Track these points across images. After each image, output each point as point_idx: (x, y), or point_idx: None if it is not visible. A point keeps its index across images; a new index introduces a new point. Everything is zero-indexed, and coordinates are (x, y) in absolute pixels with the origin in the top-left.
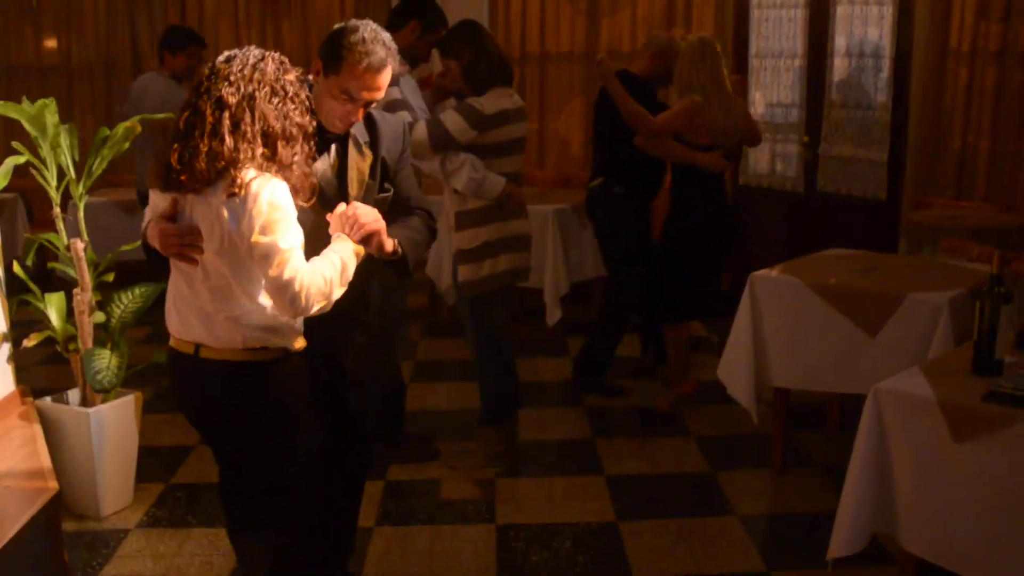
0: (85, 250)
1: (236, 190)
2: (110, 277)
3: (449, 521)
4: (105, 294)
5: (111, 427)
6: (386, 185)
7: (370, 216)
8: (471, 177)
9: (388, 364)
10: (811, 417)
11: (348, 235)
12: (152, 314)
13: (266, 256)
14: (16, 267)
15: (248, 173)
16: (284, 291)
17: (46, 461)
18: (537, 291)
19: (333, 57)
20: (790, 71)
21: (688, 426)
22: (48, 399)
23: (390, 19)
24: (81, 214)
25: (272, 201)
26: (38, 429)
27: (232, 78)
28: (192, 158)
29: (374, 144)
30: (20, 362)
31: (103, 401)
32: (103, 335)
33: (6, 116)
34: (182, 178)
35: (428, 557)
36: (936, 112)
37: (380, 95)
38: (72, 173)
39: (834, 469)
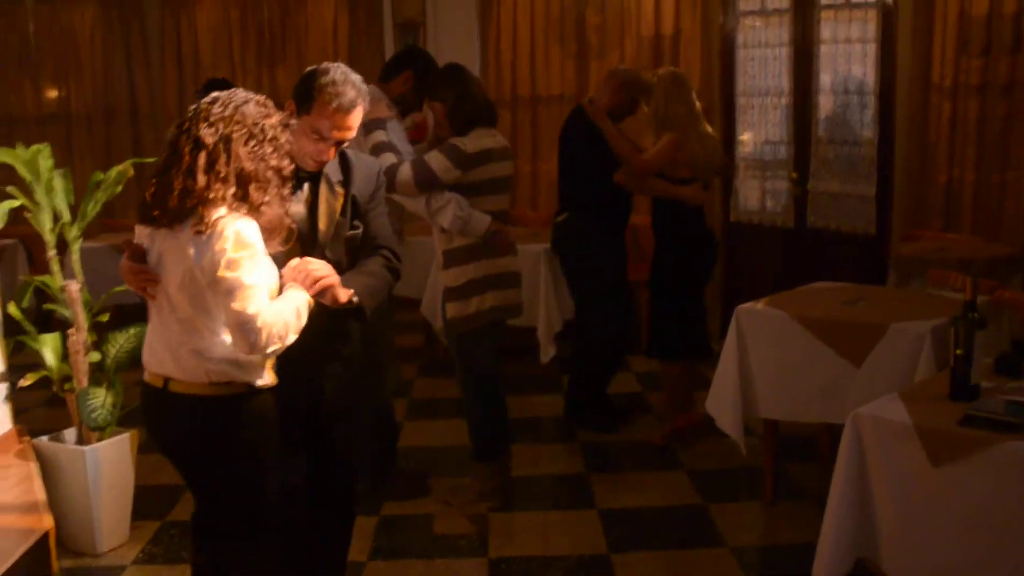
0: (80, 291)
1: (203, 228)
2: (105, 317)
3: (442, 555)
4: (101, 334)
5: (107, 464)
6: (355, 223)
7: (324, 270)
8: (456, 215)
9: (375, 397)
10: (801, 449)
11: (302, 287)
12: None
13: (230, 291)
14: (12, 308)
15: (217, 211)
16: (245, 327)
17: (41, 498)
18: (531, 329)
19: (305, 98)
20: (777, 109)
21: (681, 459)
22: (45, 438)
23: (384, 69)
24: (76, 256)
25: (238, 238)
26: (34, 467)
27: (212, 119)
28: (166, 194)
29: (346, 183)
30: (19, 403)
31: (99, 439)
32: (99, 375)
33: (1, 162)
34: (155, 213)
35: None
36: (921, 146)
37: (351, 134)
38: (67, 216)
39: (825, 500)
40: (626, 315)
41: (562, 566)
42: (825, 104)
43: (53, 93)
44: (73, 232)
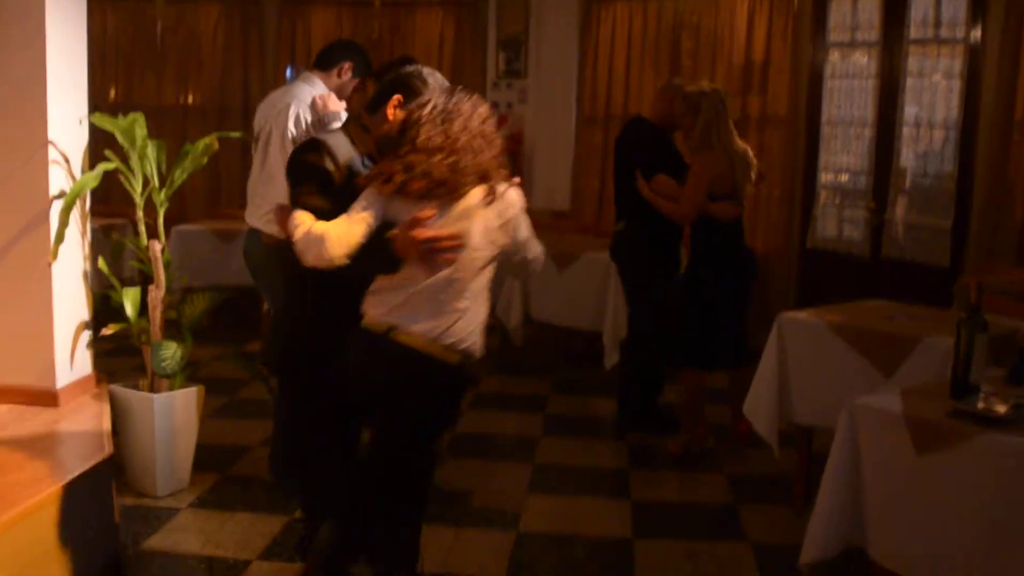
0: (162, 251)
1: (493, 197)
2: (184, 279)
3: (474, 525)
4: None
5: (173, 414)
6: None
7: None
8: None
9: None
10: None
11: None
12: (231, 335)
13: (528, 240)
14: (101, 263)
15: (500, 184)
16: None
17: (107, 432)
18: (597, 335)
19: (415, 93)
20: (860, 139)
21: (723, 464)
22: (121, 385)
23: (321, 58)
24: (161, 220)
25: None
26: (106, 407)
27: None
28: (454, 173)
29: None
30: (104, 353)
31: (168, 390)
32: (174, 331)
33: (102, 128)
34: (440, 190)
35: (447, 553)
36: (1001, 182)
37: None
38: (156, 182)
39: None
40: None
41: (584, 544)
42: (908, 136)
43: (173, 88)
44: (161, 197)
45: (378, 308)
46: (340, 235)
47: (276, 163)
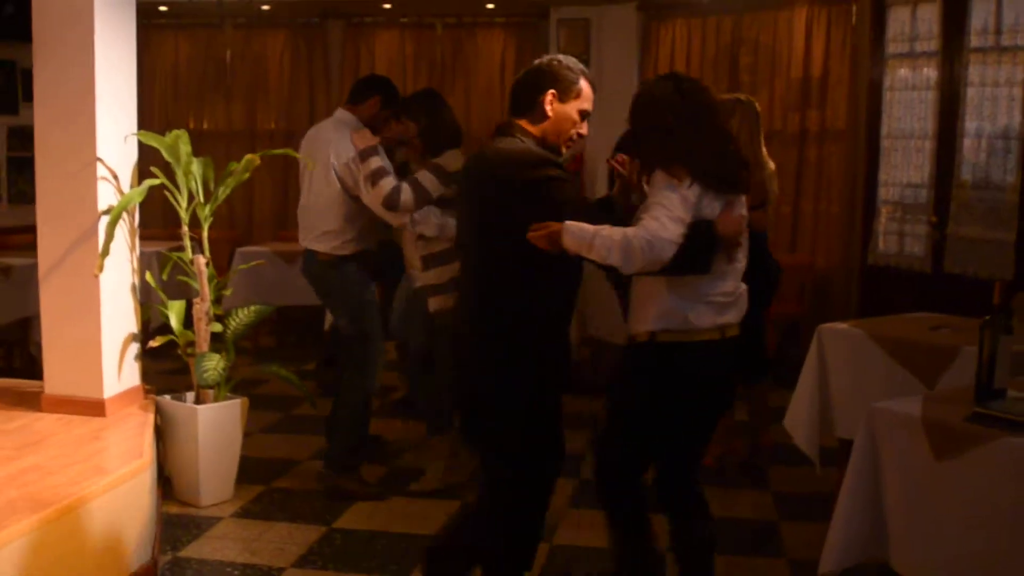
0: (207, 265)
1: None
2: (228, 292)
3: None
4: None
5: (217, 424)
6: None
7: None
8: (436, 223)
9: None
10: None
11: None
12: (292, 354)
13: None
14: (149, 276)
15: None
16: None
17: (148, 440)
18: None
19: (572, 84)
20: (920, 152)
21: (769, 480)
22: (167, 396)
23: (353, 93)
24: (205, 234)
25: None
26: (151, 417)
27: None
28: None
29: None
30: (151, 366)
31: (213, 401)
32: (218, 344)
33: (148, 145)
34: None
35: None
36: None
37: None
38: (200, 197)
39: None
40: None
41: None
42: (969, 148)
43: (242, 113)
44: (205, 212)
45: (706, 316)
46: (670, 236)
47: (319, 193)
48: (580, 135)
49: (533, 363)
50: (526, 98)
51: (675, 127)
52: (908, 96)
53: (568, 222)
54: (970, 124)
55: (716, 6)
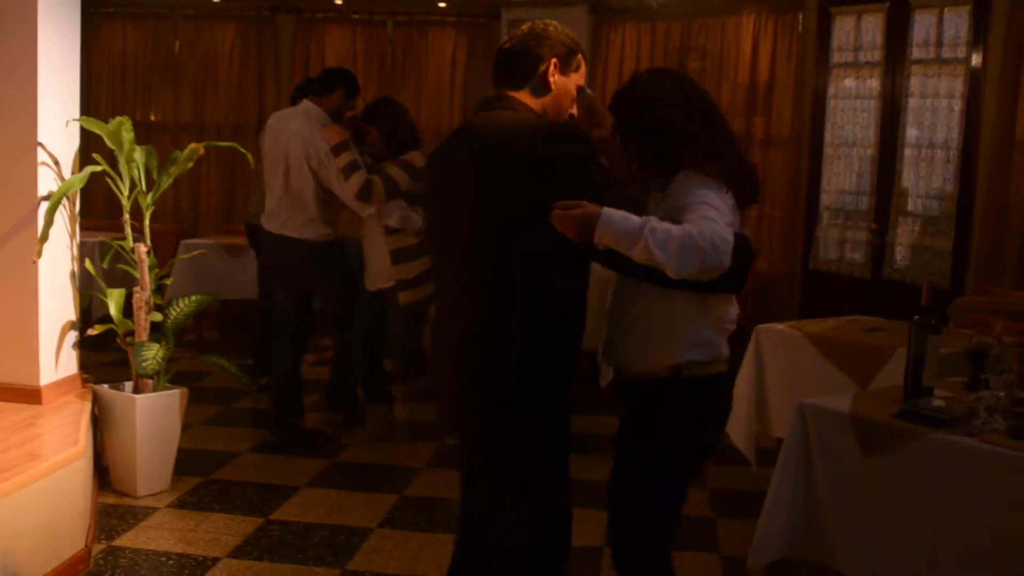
0: (147, 254)
1: None
2: (168, 280)
3: (446, 531)
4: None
5: (155, 414)
6: None
7: None
8: (401, 214)
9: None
10: None
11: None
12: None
13: None
14: (88, 264)
15: None
16: None
17: (84, 429)
18: (592, 353)
19: (571, 55)
20: (861, 160)
21: (706, 478)
22: (106, 386)
23: (318, 86)
24: (147, 222)
25: None
26: (87, 406)
27: None
28: None
29: None
30: (92, 358)
31: (152, 391)
32: (158, 335)
33: (92, 132)
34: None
35: (414, 558)
36: (1002, 204)
37: None
38: (143, 185)
39: None
40: None
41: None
42: (909, 157)
43: (190, 105)
44: (147, 200)
45: (726, 344)
46: (731, 241)
47: (301, 184)
48: (572, 115)
49: (557, 384)
50: (523, 66)
51: (691, 128)
52: (851, 105)
53: (607, 208)
54: (911, 134)
55: (666, 11)
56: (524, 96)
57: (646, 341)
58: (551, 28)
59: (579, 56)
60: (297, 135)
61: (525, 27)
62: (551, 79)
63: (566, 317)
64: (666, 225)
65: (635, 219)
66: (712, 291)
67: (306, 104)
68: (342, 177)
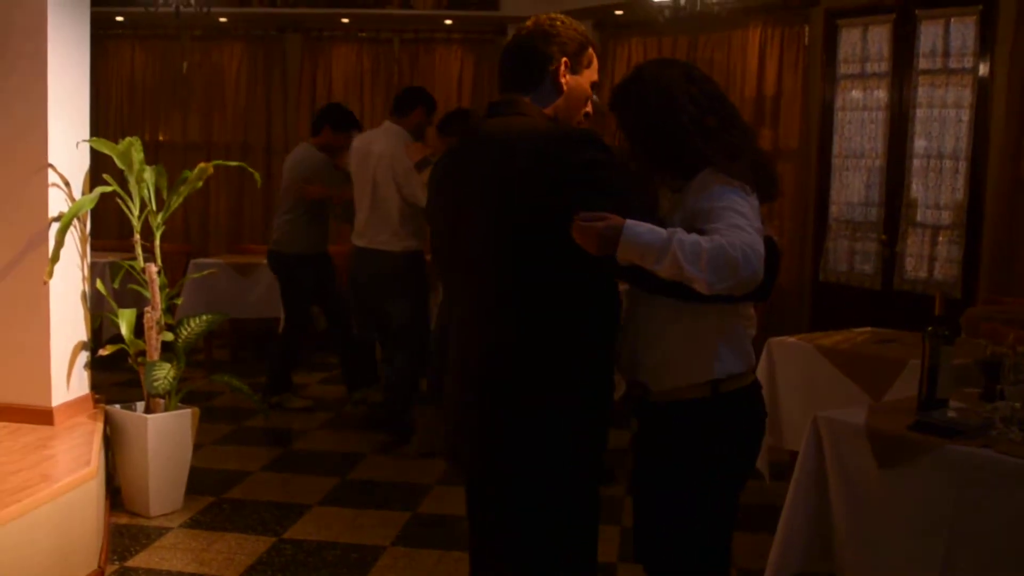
0: (158, 273)
1: None
2: (179, 300)
3: (460, 548)
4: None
5: (167, 434)
6: None
7: None
8: None
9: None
10: None
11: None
12: (248, 368)
13: None
14: (99, 284)
15: None
16: None
17: (96, 449)
18: None
19: (581, 52)
20: (870, 171)
21: None
22: (117, 406)
23: (398, 106)
24: (157, 242)
25: None
26: (99, 426)
27: None
28: None
29: None
30: (104, 378)
31: (164, 410)
32: (169, 354)
33: (101, 153)
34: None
35: (429, 575)
36: (1011, 213)
37: None
38: (153, 205)
39: None
40: None
41: None
42: (918, 168)
43: (199, 125)
44: (157, 220)
45: (750, 347)
46: (763, 251)
47: (388, 199)
48: (587, 114)
49: (593, 409)
50: (531, 68)
51: (708, 122)
52: (859, 116)
53: (631, 220)
54: (919, 144)
55: (672, 26)
56: (535, 99)
57: (675, 356)
58: (559, 23)
59: (590, 51)
60: (382, 155)
61: (530, 22)
62: (562, 80)
63: (597, 327)
64: (694, 237)
65: (661, 231)
66: (740, 301)
67: (387, 124)
68: (425, 191)
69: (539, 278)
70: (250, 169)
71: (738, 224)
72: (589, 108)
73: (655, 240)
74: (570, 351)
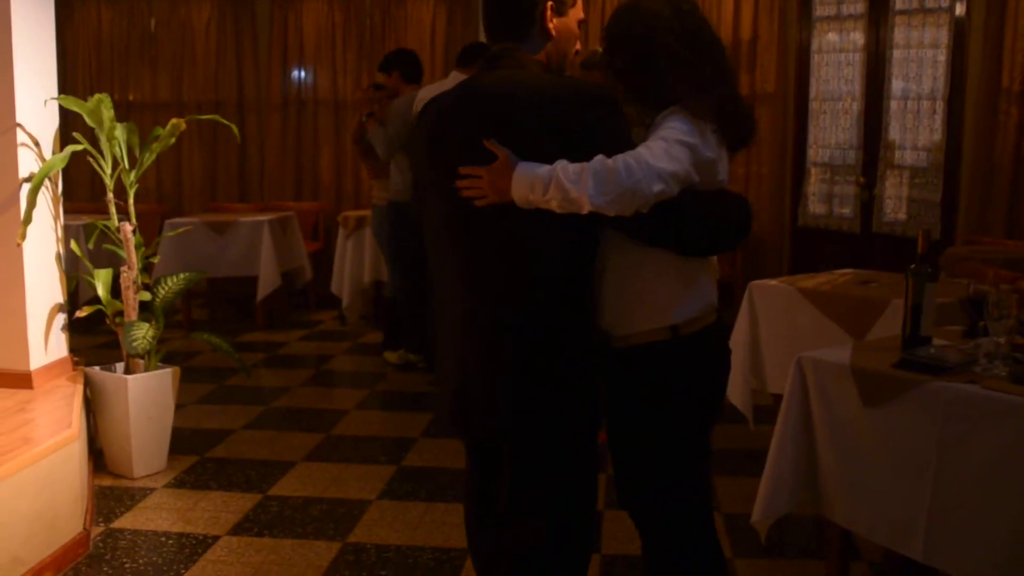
0: (133, 232)
1: None
2: (155, 259)
3: (444, 500)
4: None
5: (148, 394)
6: None
7: None
8: None
9: None
10: None
11: None
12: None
13: None
14: (74, 245)
15: None
16: None
17: (77, 411)
18: None
19: None
20: (848, 114)
21: None
22: (97, 367)
23: (464, 57)
24: (131, 200)
25: None
26: (79, 388)
27: None
28: None
29: None
30: (82, 340)
31: (144, 371)
32: (147, 314)
33: (71, 112)
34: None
35: (415, 528)
36: (989, 152)
37: None
38: (125, 163)
39: None
40: None
41: None
42: (896, 110)
43: (168, 83)
44: (130, 178)
45: (713, 289)
46: (660, 168)
47: None
48: (577, 52)
49: (586, 355)
50: (517, 16)
51: (683, 54)
52: (836, 59)
53: (521, 162)
54: (896, 86)
55: None
56: (526, 47)
57: (635, 302)
58: None
59: None
60: None
61: None
62: (549, 24)
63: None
64: (573, 164)
65: (544, 167)
66: (706, 254)
67: (455, 75)
68: None
69: (539, 236)
70: (224, 121)
71: (648, 145)
72: (579, 46)
73: (543, 172)
74: (575, 316)
